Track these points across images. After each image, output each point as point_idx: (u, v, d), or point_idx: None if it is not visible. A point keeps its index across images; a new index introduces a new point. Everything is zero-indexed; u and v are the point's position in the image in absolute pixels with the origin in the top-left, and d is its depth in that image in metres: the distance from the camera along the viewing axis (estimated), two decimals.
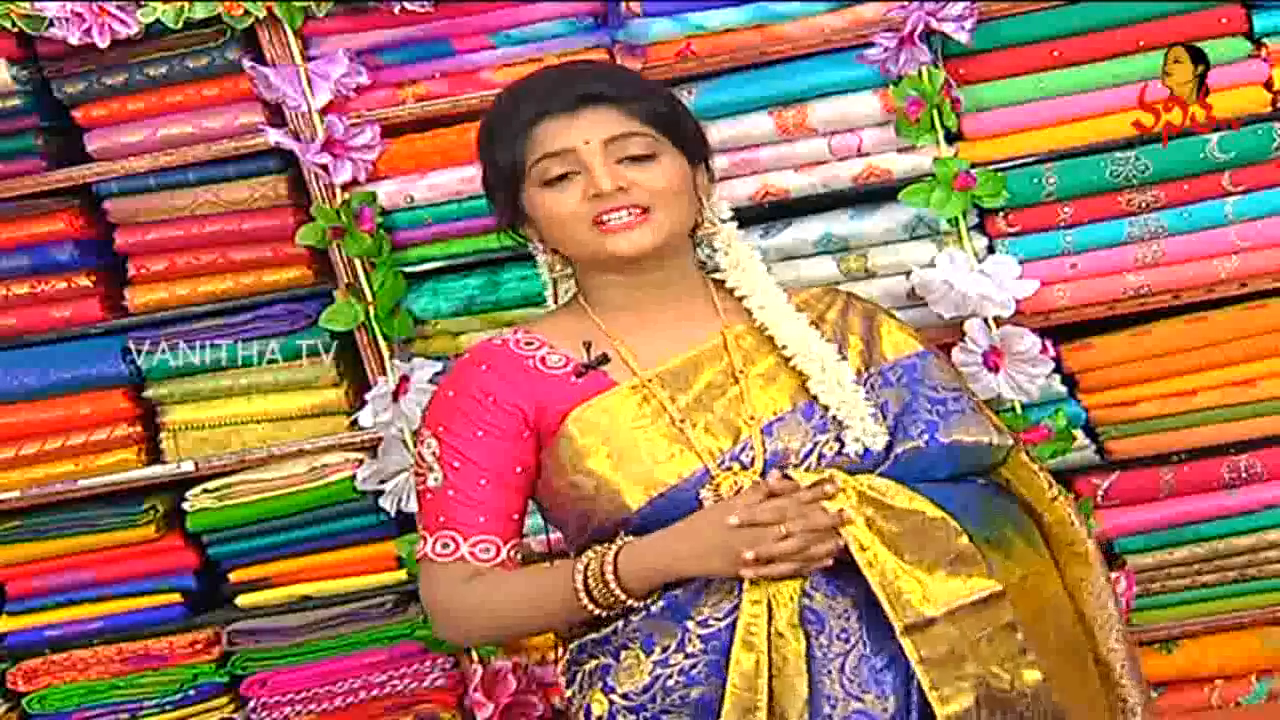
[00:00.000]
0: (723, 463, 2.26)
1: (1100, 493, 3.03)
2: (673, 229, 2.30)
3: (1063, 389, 3.01)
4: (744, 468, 2.25)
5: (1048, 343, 2.95)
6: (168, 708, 3.30)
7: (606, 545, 2.23)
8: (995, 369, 2.92)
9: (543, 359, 2.34)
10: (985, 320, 2.92)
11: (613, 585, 2.20)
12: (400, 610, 3.22)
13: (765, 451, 2.27)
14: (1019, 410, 2.97)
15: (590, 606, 2.22)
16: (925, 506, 2.22)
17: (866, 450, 2.27)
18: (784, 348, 2.33)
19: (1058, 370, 2.99)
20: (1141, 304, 2.97)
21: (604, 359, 2.32)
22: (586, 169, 2.26)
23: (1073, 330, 3.01)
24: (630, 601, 2.21)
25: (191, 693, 3.29)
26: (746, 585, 2.18)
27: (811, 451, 2.28)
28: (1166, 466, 3.04)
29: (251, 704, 3.28)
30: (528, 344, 2.35)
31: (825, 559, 2.17)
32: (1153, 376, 3.00)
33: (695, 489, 2.24)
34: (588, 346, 2.33)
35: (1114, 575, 2.98)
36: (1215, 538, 3.04)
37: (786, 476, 2.22)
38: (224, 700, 3.31)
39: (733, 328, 2.35)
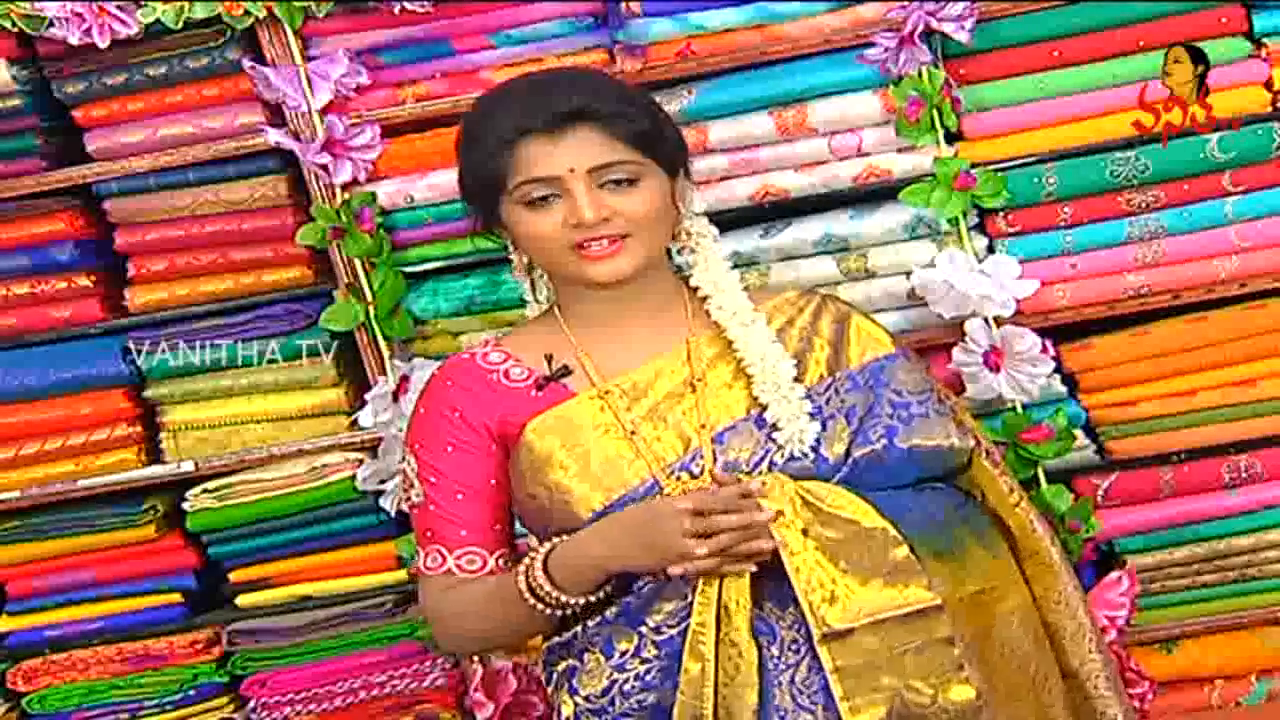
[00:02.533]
0: (672, 472, 2.27)
1: (1100, 493, 3.03)
2: (650, 253, 2.31)
3: (1063, 389, 3.01)
4: (693, 476, 2.26)
5: (1048, 343, 2.95)
6: (168, 708, 3.30)
7: (538, 547, 2.26)
8: (995, 369, 2.92)
9: (506, 372, 2.36)
10: (985, 320, 2.92)
11: (546, 585, 2.22)
12: (400, 610, 3.22)
13: (716, 460, 2.27)
14: (1019, 410, 2.97)
15: (540, 608, 2.24)
16: (864, 515, 2.21)
17: (823, 457, 2.26)
18: (737, 351, 2.33)
19: (1058, 370, 2.98)
20: (1141, 304, 2.97)
21: (565, 371, 2.34)
22: (569, 195, 2.25)
23: (1073, 330, 3.01)
24: (573, 599, 2.22)
25: (191, 693, 3.29)
26: (698, 592, 2.18)
27: (762, 460, 2.27)
28: (1166, 466, 3.03)
29: (251, 704, 3.29)
30: (495, 356, 2.38)
31: (758, 556, 2.16)
32: (1153, 376, 2.99)
33: (645, 498, 2.25)
34: (549, 359, 2.34)
35: (1116, 574, 2.99)
36: (1215, 538, 3.04)
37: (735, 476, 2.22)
38: (224, 700, 3.31)
39: (697, 336, 2.36)
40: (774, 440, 2.28)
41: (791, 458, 2.27)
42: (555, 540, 2.26)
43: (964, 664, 2.17)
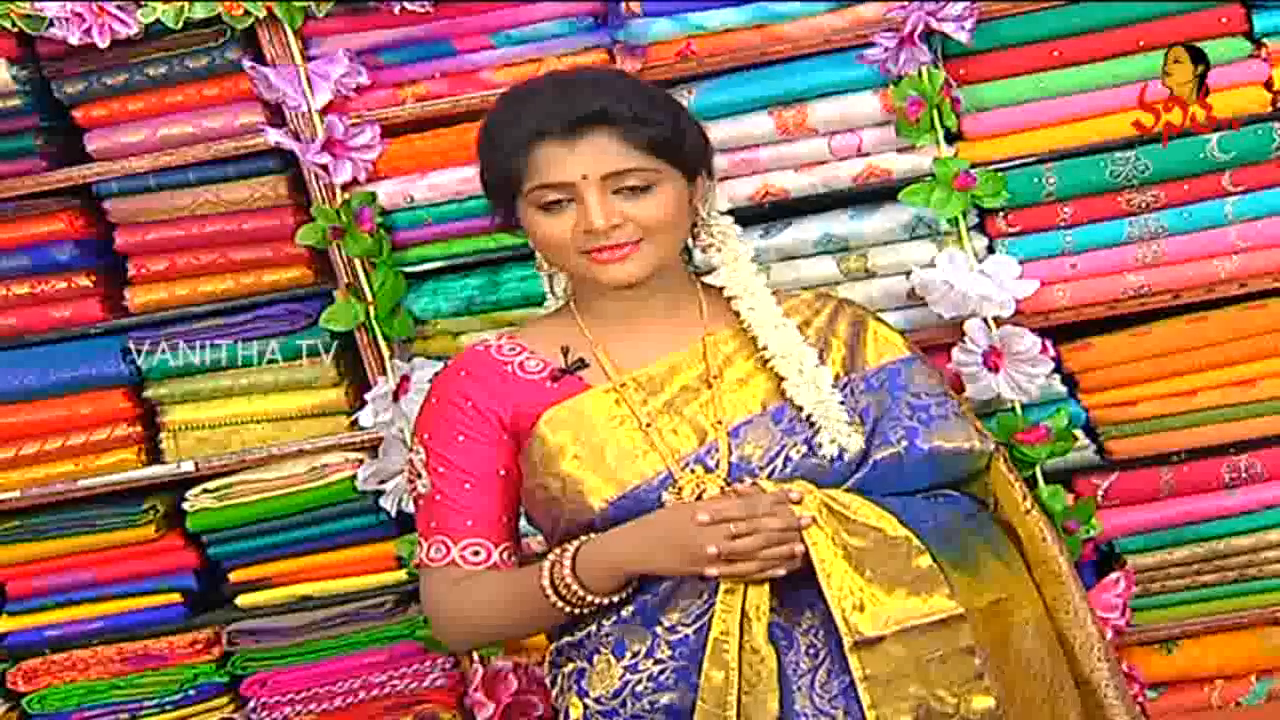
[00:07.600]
0: (687, 464, 2.26)
1: (1100, 493, 3.03)
2: (663, 258, 2.30)
3: (1063, 389, 3.01)
4: (708, 470, 2.26)
5: (1048, 343, 2.95)
6: (168, 708, 3.30)
7: (567, 543, 2.24)
8: (995, 369, 2.92)
9: (521, 364, 2.36)
10: (985, 320, 2.92)
11: (572, 584, 2.21)
12: (400, 610, 3.23)
13: (731, 454, 2.27)
14: (1019, 410, 2.97)
15: (560, 605, 2.23)
16: (888, 524, 2.20)
17: (841, 456, 2.26)
18: (764, 349, 2.32)
19: (1058, 370, 2.99)
20: (1141, 304, 2.97)
21: (581, 364, 2.34)
22: (581, 201, 2.25)
23: (1073, 330, 3.01)
24: (597, 599, 2.22)
25: (191, 693, 3.29)
26: (719, 599, 2.18)
27: (778, 455, 2.27)
28: (1166, 466, 3.04)
29: (251, 704, 3.29)
30: (510, 349, 2.38)
31: (788, 562, 2.15)
32: (1153, 376, 3.00)
33: (658, 490, 2.25)
34: (565, 351, 2.34)
35: (1114, 575, 2.99)
36: (1215, 538, 3.04)
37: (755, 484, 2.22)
38: (224, 700, 3.31)
39: (715, 333, 2.36)
40: (793, 436, 2.27)
41: (807, 456, 2.27)
42: (582, 539, 2.24)
43: (984, 674, 2.17)
